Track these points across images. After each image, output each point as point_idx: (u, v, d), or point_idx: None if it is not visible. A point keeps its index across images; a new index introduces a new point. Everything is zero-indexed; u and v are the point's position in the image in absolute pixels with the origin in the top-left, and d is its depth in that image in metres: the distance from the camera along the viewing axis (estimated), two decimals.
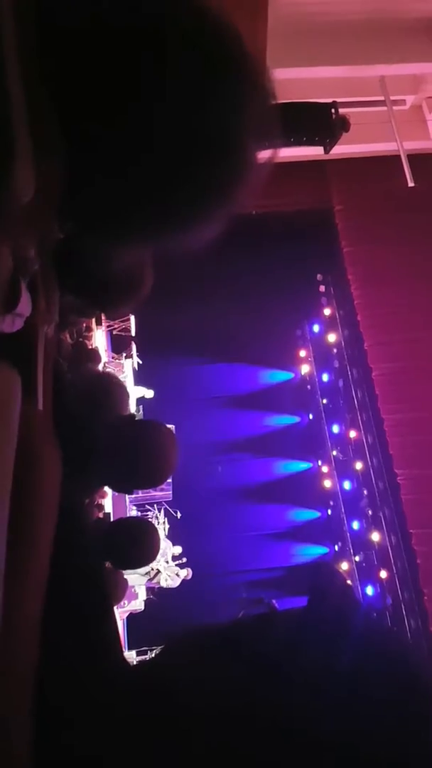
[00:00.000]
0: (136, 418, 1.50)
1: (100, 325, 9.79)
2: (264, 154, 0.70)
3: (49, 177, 0.60)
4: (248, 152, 0.66)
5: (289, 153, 7.83)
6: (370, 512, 11.36)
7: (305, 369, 13.70)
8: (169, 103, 0.59)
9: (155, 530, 1.75)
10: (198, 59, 0.61)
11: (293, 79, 7.92)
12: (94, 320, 7.61)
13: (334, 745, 0.48)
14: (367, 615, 0.60)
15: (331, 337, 12.61)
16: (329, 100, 7.14)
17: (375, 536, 11.11)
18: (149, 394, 10.60)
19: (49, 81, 0.58)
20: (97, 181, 0.62)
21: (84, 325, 6.35)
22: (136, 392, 10.44)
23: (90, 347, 6.18)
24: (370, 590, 11.22)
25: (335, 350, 12.60)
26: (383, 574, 10.84)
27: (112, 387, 1.63)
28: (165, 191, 0.63)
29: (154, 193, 0.63)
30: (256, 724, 0.49)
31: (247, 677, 0.53)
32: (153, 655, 0.64)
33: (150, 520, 9.35)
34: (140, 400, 10.49)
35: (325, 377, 13.08)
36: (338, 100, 7.20)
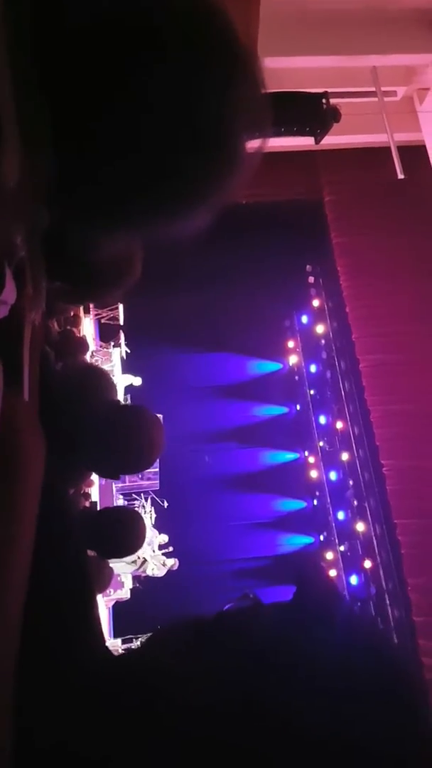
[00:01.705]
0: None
1: (89, 313, 9.74)
2: (254, 144, 0.69)
3: (36, 163, 0.59)
4: (238, 141, 0.65)
5: (280, 143, 7.80)
6: (355, 502, 11.46)
7: (293, 360, 13.73)
8: (158, 91, 0.59)
9: (141, 519, 1.75)
10: (188, 47, 0.60)
11: (285, 69, 7.86)
12: (82, 309, 7.56)
13: (323, 737, 0.48)
14: (350, 609, 0.61)
15: (320, 329, 12.65)
16: (320, 90, 7.11)
17: (360, 526, 11.21)
18: (137, 381, 10.58)
19: (36, 67, 0.57)
20: (87, 168, 0.62)
21: (72, 313, 6.31)
22: (124, 380, 10.42)
23: (78, 335, 6.15)
24: (354, 580, 11.34)
25: (323, 341, 12.64)
26: (368, 563, 10.95)
27: (99, 377, 1.63)
28: (154, 180, 0.63)
29: (144, 181, 0.63)
30: (242, 716, 0.49)
31: (232, 669, 0.53)
32: (138, 644, 0.64)
33: (137, 509, 9.37)
34: (128, 389, 10.47)
35: (312, 368, 13.12)
36: (329, 90, 7.17)
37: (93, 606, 0.72)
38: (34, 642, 0.56)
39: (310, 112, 7.10)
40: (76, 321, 6.72)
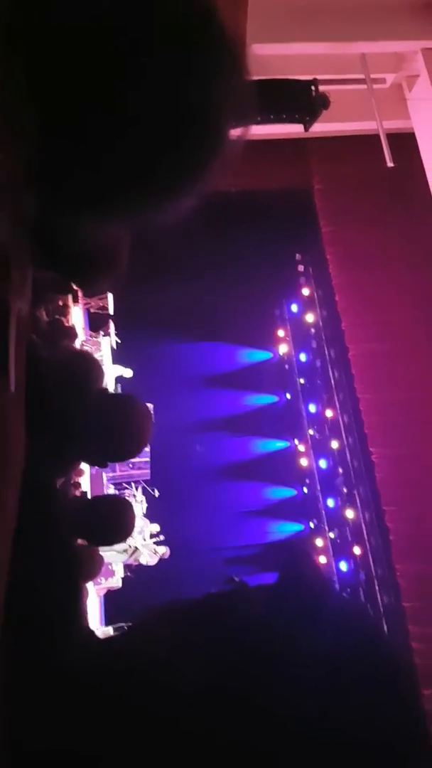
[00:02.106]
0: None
1: (77, 302, 9.68)
2: (239, 131, 0.69)
3: (20, 149, 0.59)
4: (224, 128, 0.65)
5: (269, 130, 7.75)
6: (345, 490, 11.54)
7: (283, 349, 13.75)
8: (143, 79, 0.59)
9: (130, 507, 1.76)
10: (173, 35, 0.60)
11: (274, 56, 7.80)
12: (70, 298, 7.52)
13: (313, 720, 0.48)
14: (335, 590, 0.62)
15: (309, 317, 12.66)
16: (309, 78, 7.07)
17: (349, 513, 11.30)
18: (128, 373, 10.55)
19: (21, 55, 0.57)
20: (72, 154, 0.62)
21: (61, 302, 6.29)
22: (114, 371, 10.38)
23: (67, 325, 6.13)
24: (344, 566, 11.44)
25: (313, 330, 12.67)
26: (357, 550, 11.06)
27: (88, 364, 1.63)
28: (140, 166, 0.63)
29: (130, 167, 0.63)
30: (228, 700, 0.49)
31: (219, 653, 0.53)
32: (125, 630, 0.64)
33: (128, 498, 9.38)
34: (118, 379, 10.44)
35: (302, 357, 13.15)
36: (318, 77, 7.13)
37: (79, 593, 0.72)
38: (17, 629, 0.56)
39: (299, 99, 7.06)
40: (64, 310, 6.70)
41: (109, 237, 1.54)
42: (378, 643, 0.57)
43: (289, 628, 0.54)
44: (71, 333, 5.56)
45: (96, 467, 8.83)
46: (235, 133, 0.68)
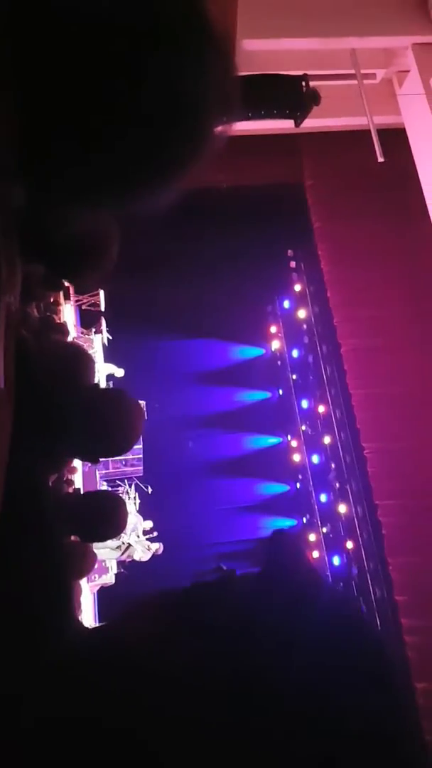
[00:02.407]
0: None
1: (69, 299, 9.65)
2: (224, 124, 0.70)
3: (6, 143, 0.59)
4: (208, 123, 0.66)
5: (260, 126, 7.74)
6: (337, 485, 11.58)
7: (276, 345, 13.76)
8: (131, 74, 0.60)
9: (122, 503, 1.76)
10: (159, 31, 0.60)
11: (264, 51, 7.80)
12: (62, 294, 7.49)
13: (298, 709, 0.48)
14: (319, 577, 0.62)
15: (302, 313, 12.67)
16: (300, 73, 7.06)
17: (342, 508, 11.34)
18: (119, 372, 10.52)
19: (8, 44, 0.57)
20: (56, 142, 0.62)
21: (52, 299, 6.26)
22: (106, 369, 10.36)
23: (58, 322, 6.10)
24: (336, 560, 11.49)
25: (305, 326, 12.68)
26: (350, 544, 11.10)
27: (78, 357, 1.62)
28: (126, 159, 0.64)
29: (116, 160, 0.64)
30: (214, 688, 0.49)
31: (207, 641, 0.53)
32: (111, 620, 0.64)
33: (121, 495, 9.37)
34: (110, 377, 10.42)
35: (295, 353, 13.16)
36: (309, 72, 7.12)
37: (68, 589, 0.72)
38: (7, 623, 0.56)
39: (290, 94, 7.04)
40: (55, 307, 6.67)
41: (97, 231, 1.53)
42: (364, 629, 0.58)
43: (275, 615, 0.54)
44: (62, 330, 5.54)
45: (88, 464, 8.82)
46: (220, 127, 0.69)
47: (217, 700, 0.49)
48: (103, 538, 1.88)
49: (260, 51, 7.76)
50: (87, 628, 0.68)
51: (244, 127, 7.34)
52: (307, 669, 0.50)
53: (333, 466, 11.74)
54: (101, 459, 1.58)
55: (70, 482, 6.83)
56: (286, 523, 13.02)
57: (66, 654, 0.59)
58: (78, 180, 0.65)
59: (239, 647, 0.52)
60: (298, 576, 0.62)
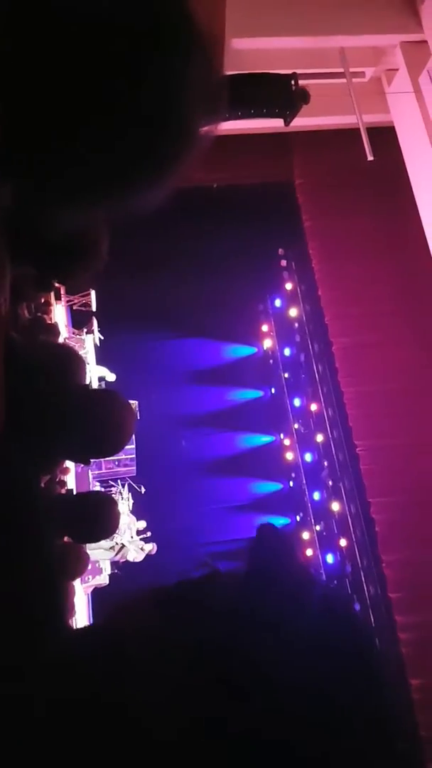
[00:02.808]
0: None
1: (60, 300, 9.61)
2: (211, 124, 0.70)
3: None
4: (192, 121, 0.66)
5: (249, 125, 7.75)
6: (330, 483, 11.61)
7: (267, 344, 13.77)
8: (113, 70, 0.60)
9: (114, 503, 1.76)
10: (143, 28, 0.60)
11: (253, 50, 7.81)
12: (53, 295, 7.47)
13: (289, 705, 0.48)
14: (306, 568, 0.62)
15: (293, 312, 12.69)
16: (289, 72, 7.07)
17: (335, 506, 11.37)
18: (111, 377, 10.47)
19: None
20: (42, 145, 0.62)
21: (42, 300, 6.24)
22: (98, 371, 10.32)
23: (49, 322, 6.09)
24: (330, 558, 11.52)
25: (297, 324, 12.70)
26: (343, 542, 11.13)
27: (68, 358, 1.62)
28: (113, 158, 0.64)
29: (103, 159, 0.64)
30: (204, 682, 0.49)
31: (194, 636, 0.53)
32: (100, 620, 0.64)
33: (114, 495, 9.36)
34: (101, 380, 10.39)
35: (287, 351, 13.18)
36: (298, 71, 7.13)
37: (60, 592, 0.72)
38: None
39: (280, 93, 7.05)
40: (46, 308, 6.65)
41: (87, 231, 1.53)
42: (351, 622, 0.58)
43: (262, 609, 0.54)
44: (53, 330, 5.53)
45: (81, 465, 8.81)
46: (205, 127, 0.69)
47: (207, 697, 0.48)
48: (95, 539, 1.87)
49: (249, 50, 7.77)
50: (74, 630, 0.68)
51: (234, 126, 7.35)
52: (296, 663, 0.50)
53: (326, 464, 11.77)
54: (93, 460, 1.58)
55: (63, 483, 6.82)
56: (279, 521, 13.04)
57: (54, 656, 0.59)
58: (71, 179, 0.65)
59: (227, 642, 0.51)
60: (285, 568, 0.62)
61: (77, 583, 7.64)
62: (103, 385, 10.14)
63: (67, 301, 10.32)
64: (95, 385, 9.77)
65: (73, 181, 0.65)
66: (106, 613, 0.61)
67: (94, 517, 1.72)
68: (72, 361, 1.63)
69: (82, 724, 0.49)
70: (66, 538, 2.47)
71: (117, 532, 8.94)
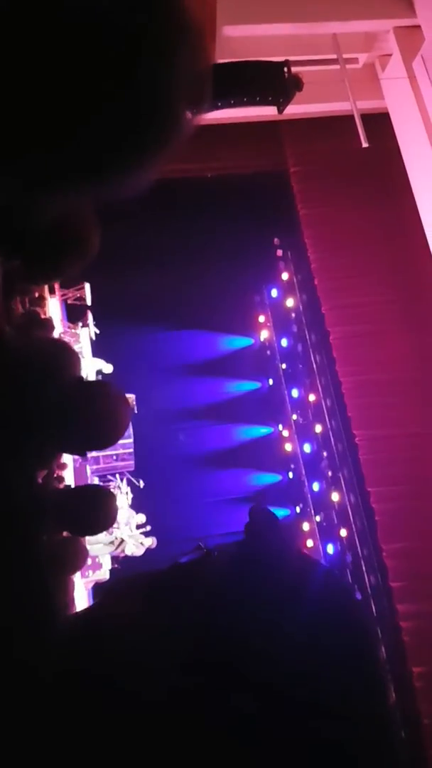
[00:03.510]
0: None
1: (54, 294, 9.57)
2: (197, 111, 0.70)
3: None
4: (178, 108, 0.66)
5: (242, 113, 7.71)
6: (329, 473, 11.62)
7: (264, 335, 13.76)
8: (98, 56, 0.59)
9: (110, 495, 1.73)
10: (131, 15, 0.60)
11: (245, 37, 7.76)
12: (47, 289, 7.43)
13: (280, 686, 0.48)
14: (300, 551, 0.63)
15: (290, 302, 12.66)
16: (282, 59, 7.02)
17: (335, 496, 11.38)
18: (108, 369, 10.47)
19: None
20: (18, 123, 0.61)
21: (36, 294, 6.20)
22: (95, 364, 10.31)
23: (43, 316, 6.04)
24: (330, 548, 11.55)
25: (293, 315, 12.67)
26: (343, 532, 11.16)
27: (62, 353, 1.59)
28: (94, 141, 0.63)
29: (84, 142, 0.63)
30: (194, 663, 0.49)
31: (185, 617, 0.54)
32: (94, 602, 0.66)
33: (113, 490, 9.37)
34: (99, 373, 10.38)
35: (284, 342, 13.16)
36: (291, 58, 7.08)
37: (51, 584, 0.72)
38: None
39: (273, 81, 7.01)
40: (40, 302, 6.61)
41: (74, 222, 1.51)
42: (343, 601, 0.59)
43: (253, 590, 0.55)
44: (48, 324, 5.49)
45: (79, 459, 8.79)
46: (192, 114, 0.69)
47: (197, 678, 0.49)
48: (93, 532, 1.85)
49: (241, 37, 7.71)
50: (68, 617, 0.69)
51: (227, 114, 7.31)
52: (288, 642, 0.51)
53: (325, 454, 11.77)
54: (89, 452, 1.55)
55: (61, 479, 6.80)
56: (279, 512, 13.07)
57: (48, 643, 0.59)
58: (50, 166, 0.64)
59: (218, 624, 0.52)
60: (277, 549, 0.63)
61: (77, 579, 7.65)
62: (101, 378, 10.13)
63: (62, 295, 10.27)
64: (93, 378, 9.76)
65: (54, 167, 0.64)
66: (99, 598, 0.63)
67: (91, 509, 1.70)
68: (65, 354, 1.60)
69: (69, 694, 0.50)
70: (65, 533, 2.44)
71: (116, 526, 8.96)
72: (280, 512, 13.03)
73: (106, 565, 9.42)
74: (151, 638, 0.52)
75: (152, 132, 0.65)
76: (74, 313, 10.64)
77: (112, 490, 9.46)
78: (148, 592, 0.60)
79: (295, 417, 12.88)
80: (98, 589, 9.36)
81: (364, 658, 0.54)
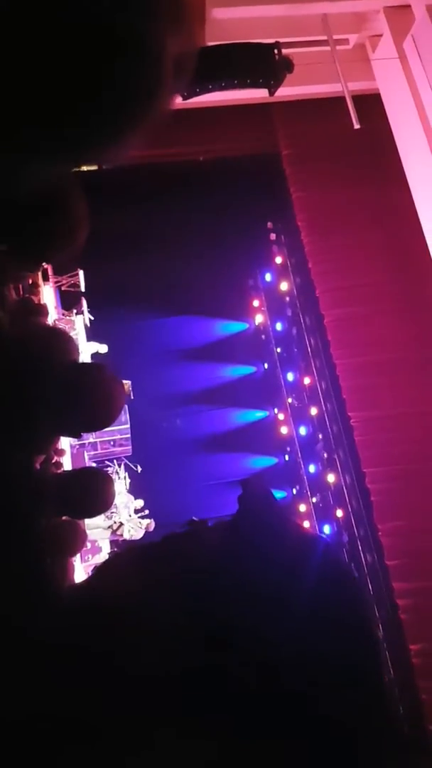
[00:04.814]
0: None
1: (48, 281, 9.53)
2: (183, 91, 0.71)
3: None
4: (162, 84, 0.65)
5: (233, 96, 7.63)
6: (325, 455, 11.68)
7: (259, 319, 13.73)
8: (86, 31, 0.59)
9: (106, 477, 1.77)
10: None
11: (235, 19, 7.67)
12: (40, 276, 7.40)
13: (278, 649, 0.48)
14: (293, 522, 0.63)
15: (284, 286, 12.62)
16: (272, 41, 6.95)
17: (331, 477, 11.45)
18: (103, 349, 10.47)
19: None
20: (14, 105, 0.61)
21: (30, 281, 6.20)
22: (90, 348, 10.30)
23: (37, 303, 6.04)
24: (327, 529, 11.64)
25: (288, 298, 12.65)
26: (339, 513, 11.24)
27: (57, 338, 1.61)
28: (76, 111, 0.63)
29: (61, 100, 0.62)
30: (190, 633, 0.50)
31: (180, 588, 0.54)
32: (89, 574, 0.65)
33: (110, 475, 9.39)
34: (94, 356, 10.37)
35: (278, 326, 13.15)
36: (281, 40, 7.01)
37: (47, 564, 0.73)
38: None
39: (263, 63, 6.94)
40: (34, 289, 6.60)
41: (58, 204, 1.50)
42: (340, 573, 0.59)
43: (245, 561, 0.55)
44: (42, 311, 5.49)
45: (76, 446, 8.81)
46: (177, 93, 0.69)
47: (194, 649, 0.49)
48: (91, 514, 1.89)
49: (231, 19, 7.62)
50: (66, 592, 0.69)
51: (218, 97, 7.23)
52: (279, 611, 0.51)
53: (320, 436, 11.82)
54: (84, 434, 1.58)
55: (59, 464, 6.84)
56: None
57: (46, 620, 0.60)
58: (33, 137, 0.64)
59: (212, 596, 0.52)
60: (268, 520, 0.63)
61: (77, 563, 7.71)
62: (97, 359, 10.13)
63: (56, 282, 10.23)
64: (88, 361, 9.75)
65: (34, 139, 0.64)
66: (95, 570, 0.62)
67: (88, 492, 1.73)
68: (60, 339, 1.63)
69: (68, 666, 0.50)
70: (64, 517, 2.48)
71: (114, 510, 9.00)
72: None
73: (106, 548, 9.49)
74: (148, 611, 0.52)
75: (134, 107, 0.65)
76: (68, 300, 10.61)
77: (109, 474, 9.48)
78: (138, 565, 0.60)
79: (290, 400, 12.91)
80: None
81: (363, 632, 0.54)
